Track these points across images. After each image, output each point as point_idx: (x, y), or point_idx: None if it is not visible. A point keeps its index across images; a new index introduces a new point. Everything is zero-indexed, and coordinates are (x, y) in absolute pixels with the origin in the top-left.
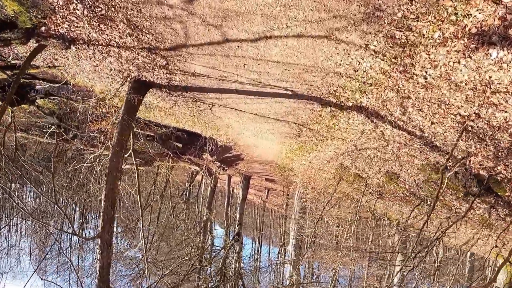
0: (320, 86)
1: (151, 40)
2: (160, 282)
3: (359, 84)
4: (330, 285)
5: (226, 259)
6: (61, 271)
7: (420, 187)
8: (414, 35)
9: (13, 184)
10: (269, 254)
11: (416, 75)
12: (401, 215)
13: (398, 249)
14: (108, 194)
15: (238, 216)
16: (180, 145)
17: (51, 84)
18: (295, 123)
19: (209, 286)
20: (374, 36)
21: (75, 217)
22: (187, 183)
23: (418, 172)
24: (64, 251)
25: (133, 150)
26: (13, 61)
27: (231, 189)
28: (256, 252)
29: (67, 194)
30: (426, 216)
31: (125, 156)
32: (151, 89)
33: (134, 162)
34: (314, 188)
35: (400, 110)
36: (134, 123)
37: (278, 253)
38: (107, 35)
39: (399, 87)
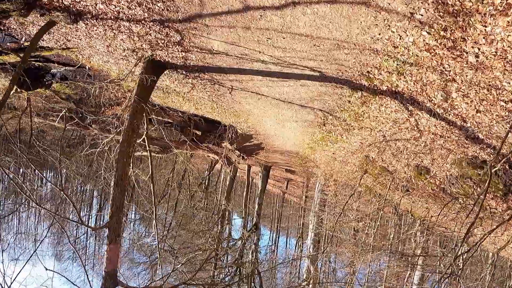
0: (352, 66)
1: (162, 10)
2: (175, 271)
3: (398, 64)
4: (348, 283)
5: (243, 250)
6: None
7: (452, 184)
8: (471, 1)
9: (24, 169)
10: (286, 246)
11: (466, 53)
12: (427, 212)
13: (426, 251)
14: (117, 181)
15: (256, 206)
16: (199, 132)
17: (66, 68)
18: (321, 110)
19: (225, 277)
20: (422, 3)
21: (93, 204)
22: (206, 172)
23: (451, 167)
24: (75, 240)
25: (146, 135)
26: (26, 43)
27: (250, 179)
28: (273, 243)
29: (84, 181)
30: (465, 216)
31: (138, 141)
32: (166, 71)
33: (148, 148)
34: (336, 181)
35: (441, 96)
36: (148, 106)
37: (296, 245)
38: (114, 5)
39: (444, 67)
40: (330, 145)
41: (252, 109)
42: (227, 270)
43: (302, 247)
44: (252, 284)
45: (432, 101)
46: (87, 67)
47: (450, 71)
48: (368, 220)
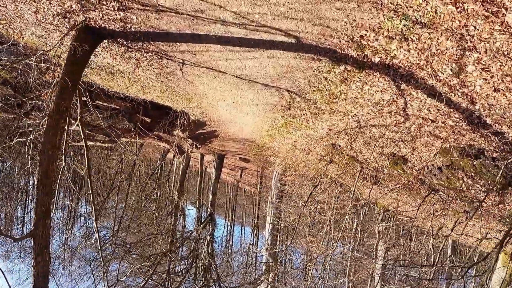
0: (341, 29)
1: None
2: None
3: (405, 25)
4: (307, 272)
5: (198, 241)
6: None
7: (434, 174)
8: None
9: None
10: (241, 235)
11: (506, 10)
12: (396, 203)
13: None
14: (41, 178)
15: (210, 196)
16: (148, 119)
17: None
18: (288, 91)
19: (181, 269)
20: None
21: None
22: (158, 162)
23: (435, 157)
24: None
25: (80, 121)
26: None
27: (204, 168)
28: (228, 232)
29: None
30: (441, 209)
31: (72, 128)
32: (104, 42)
33: (83, 137)
34: (296, 171)
35: (452, 70)
36: (81, 85)
37: (251, 233)
38: None
39: (466, 30)
40: (292, 132)
41: (206, 90)
42: (183, 263)
43: (258, 236)
44: (209, 275)
45: (437, 77)
46: (20, 45)
47: (473, 36)
48: (329, 211)
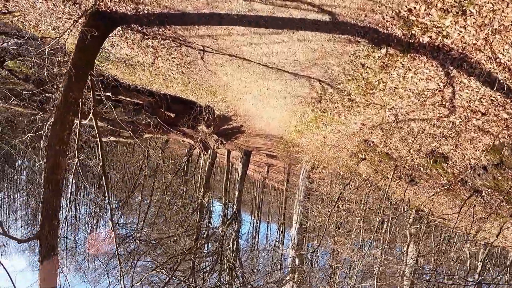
0: (386, 0)
1: None
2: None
3: None
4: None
5: (223, 239)
6: None
7: (479, 174)
8: None
9: None
10: (267, 232)
11: None
12: (431, 204)
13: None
14: (48, 176)
15: (237, 193)
16: (172, 115)
17: (16, 40)
18: (319, 81)
19: (206, 266)
20: None
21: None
22: (184, 158)
23: (482, 155)
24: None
25: (94, 113)
26: None
27: (230, 164)
28: (254, 229)
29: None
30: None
31: (84, 123)
32: (118, 29)
33: (96, 131)
34: (325, 168)
35: None
36: (93, 75)
37: (278, 231)
38: None
39: None
40: (322, 127)
41: (230, 82)
42: (208, 260)
43: (284, 233)
44: (234, 273)
45: (497, 60)
46: (38, 38)
47: None
48: (359, 211)
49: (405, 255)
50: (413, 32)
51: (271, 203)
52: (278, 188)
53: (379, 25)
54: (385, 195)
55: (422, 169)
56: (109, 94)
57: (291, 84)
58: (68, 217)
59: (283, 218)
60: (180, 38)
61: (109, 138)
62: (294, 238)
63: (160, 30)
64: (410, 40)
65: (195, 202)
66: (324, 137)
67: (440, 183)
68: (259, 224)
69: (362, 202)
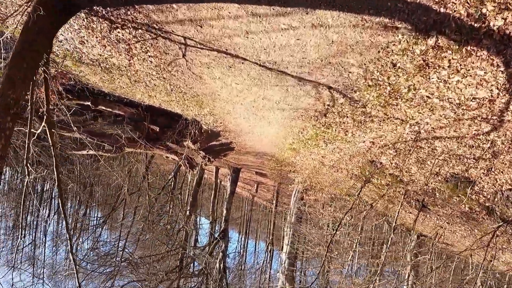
0: None
1: None
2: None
3: None
4: None
5: (210, 258)
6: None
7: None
8: None
9: None
10: (255, 250)
11: None
12: (441, 232)
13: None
14: None
15: (225, 211)
16: (156, 128)
17: None
18: (330, 89)
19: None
20: None
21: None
22: (172, 173)
23: None
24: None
25: (47, 121)
26: None
27: (218, 181)
28: (242, 247)
29: None
30: None
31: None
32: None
33: (51, 143)
34: (321, 190)
35: None
36: (47, 70)
37: (266, 250)
38: None
39: None
40: (322, 146)
41: (219, 89)
42: (194, 280)
43: (273, 253)
44: None
45: None
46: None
47: None
48: (355, 235)
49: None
50: (484, 10)
51: (260, 221)
52: (267, 206)
53: (434, 1)
54: (394, 222)
55: (437, 194)
56: (89, 103)
57: (293, 92)
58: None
59: (271, 238)
60: (155, 25)
61: (87, 152)
62: (285, 262)
63: (129, 13)
64: (475, 24)
65: (181, 220)
66: (322, 157)
67: (458, 210)
68: (247, 243)
69: (360, 226)
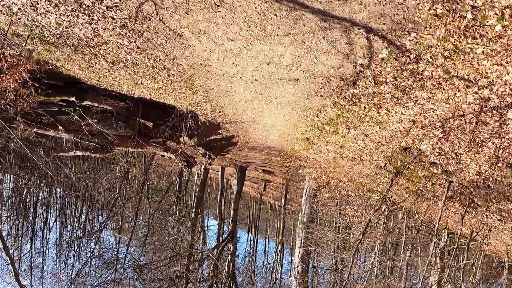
0: None
1: None
2: None
3: None
4: None
5: (218, 262)
6: None
7: None
8: None
9: None
10: (265, 249)
11: None
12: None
13: None
14: None
15: (232, 212)
16: (149, 123)
17: None
18: (370, 32)
19: None
20: None
21: None
22: (177, 174)
23: None
24: None
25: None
26: None
27: (225, 181)
28: (251, 247)
29: None
30: None
31: None
32: None
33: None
34: (336, 187)
35: None
36: None
37: (276, 250)
38: None
39: None
40: (342, 132)
41: (208, 53)
42: (202, 285)
43: (283, 252)
44: None
45: None
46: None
47: None
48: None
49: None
50: None
51: (269, 220)
52: (276, 204)
53: None
54: (437, 225)
55: (492, 185)
56: (73, 99)
57: (311, 46)
58: None
59: (281, 237)
60: None
61: (74, 153)
62: (298, 267)
63: None
64: None
65: (187, 222)
66: (341, 147)
67: None
68: (256, 243)
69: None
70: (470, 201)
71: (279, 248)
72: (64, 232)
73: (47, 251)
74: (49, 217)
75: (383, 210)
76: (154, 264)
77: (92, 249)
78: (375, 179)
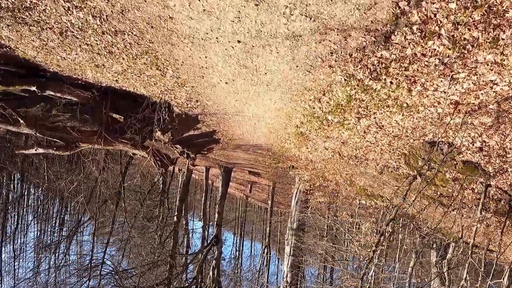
0: None
1: None
2: None
3: None
4: None
5: (202, 266)
6: None
7: None
8: None
9: None
10: (251, 252)
11: None
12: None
13: None
14: None
15: (216, 216)
16: (119, 117)
17: None
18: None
19: None
20: None
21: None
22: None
23: None
24: None
25: None
26: None
27: (209, 182)
28: (237, 249)
29: None
30: None
31: None
32: None
33: None
34: (335, 191)
35: None
36: None
37: (262, 253)
38: None
39: None
40: (350, 122)
41: (174, 9)
42: None
43: (270, 256)
44: None
45: None
46: None
47: None
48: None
49: None
50: None
51: (255, 222)
52: (262, 206)
53: None
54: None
55: None
56: (35, 88)
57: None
58: None
59: (267, 240)
60: None
61: (36, 150)
62: (287, 276)
63: None
64: None
65: (170, 226)
66: (343, 143)
67: None
68: (242, 245)
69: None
70: (510, 209)
71: (265, 251)
72: (39, 235)
73: (20, 255)
74: (22, 219)
75: (396, 222)
76: (134, 269)
77: (63, 255)
78: (376, 183)
